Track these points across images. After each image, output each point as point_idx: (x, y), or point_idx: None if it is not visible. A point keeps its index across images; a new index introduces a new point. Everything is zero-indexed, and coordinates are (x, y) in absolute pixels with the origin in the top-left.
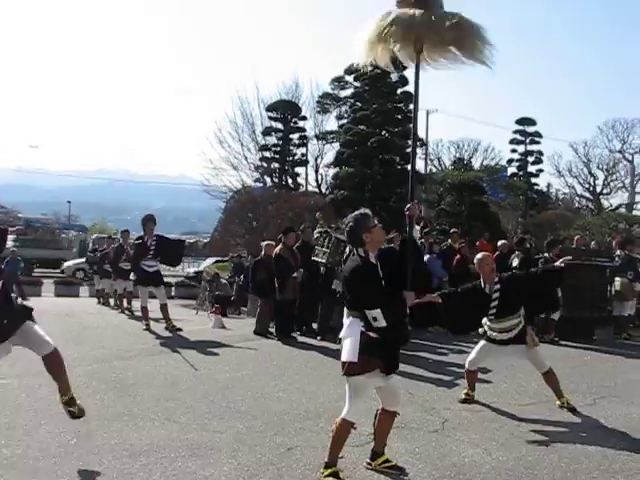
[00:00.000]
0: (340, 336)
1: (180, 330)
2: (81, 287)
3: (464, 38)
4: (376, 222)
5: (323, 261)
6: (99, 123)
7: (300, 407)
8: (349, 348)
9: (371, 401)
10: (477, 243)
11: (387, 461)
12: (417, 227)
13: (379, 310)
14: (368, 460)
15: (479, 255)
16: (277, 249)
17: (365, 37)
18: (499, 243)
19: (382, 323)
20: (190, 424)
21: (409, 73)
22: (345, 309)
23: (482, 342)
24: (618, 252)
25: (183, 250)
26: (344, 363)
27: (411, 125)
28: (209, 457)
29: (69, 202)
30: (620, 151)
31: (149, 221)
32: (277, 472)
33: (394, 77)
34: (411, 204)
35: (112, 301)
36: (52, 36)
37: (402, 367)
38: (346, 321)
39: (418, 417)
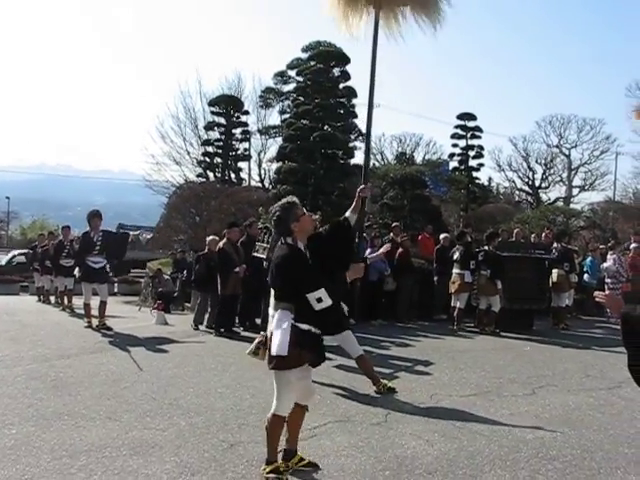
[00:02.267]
0: (269, 330)
1: (110, 329)
2: (21, 285)
3: None
4: (304, 210)
5: (263, 257)
6: (40, 118)
7: (243, 403)
8: (279, 341)
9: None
10: (419, 236)
11: (301, 459)
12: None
13: (323, 289)
14: (280, 461)
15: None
16: (220, 244)
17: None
18: (441, 236)
19: (328, 302)
20: (132, 422)
21: (350, 68)
22: (271, 301)
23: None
24: (555, 244)
25: (127, 244)
26: (272, 357)
27: (354, 120)
28: (151, 455)
29: (8, 198)
30: (557, 146)
31: (95, 216)
32: (220, 469)
33: (336, 72)
34: (365, 186)
35: (53, 299)
36: None
37: (344, 360)
38: (273, 313)
39: (361, 410)
